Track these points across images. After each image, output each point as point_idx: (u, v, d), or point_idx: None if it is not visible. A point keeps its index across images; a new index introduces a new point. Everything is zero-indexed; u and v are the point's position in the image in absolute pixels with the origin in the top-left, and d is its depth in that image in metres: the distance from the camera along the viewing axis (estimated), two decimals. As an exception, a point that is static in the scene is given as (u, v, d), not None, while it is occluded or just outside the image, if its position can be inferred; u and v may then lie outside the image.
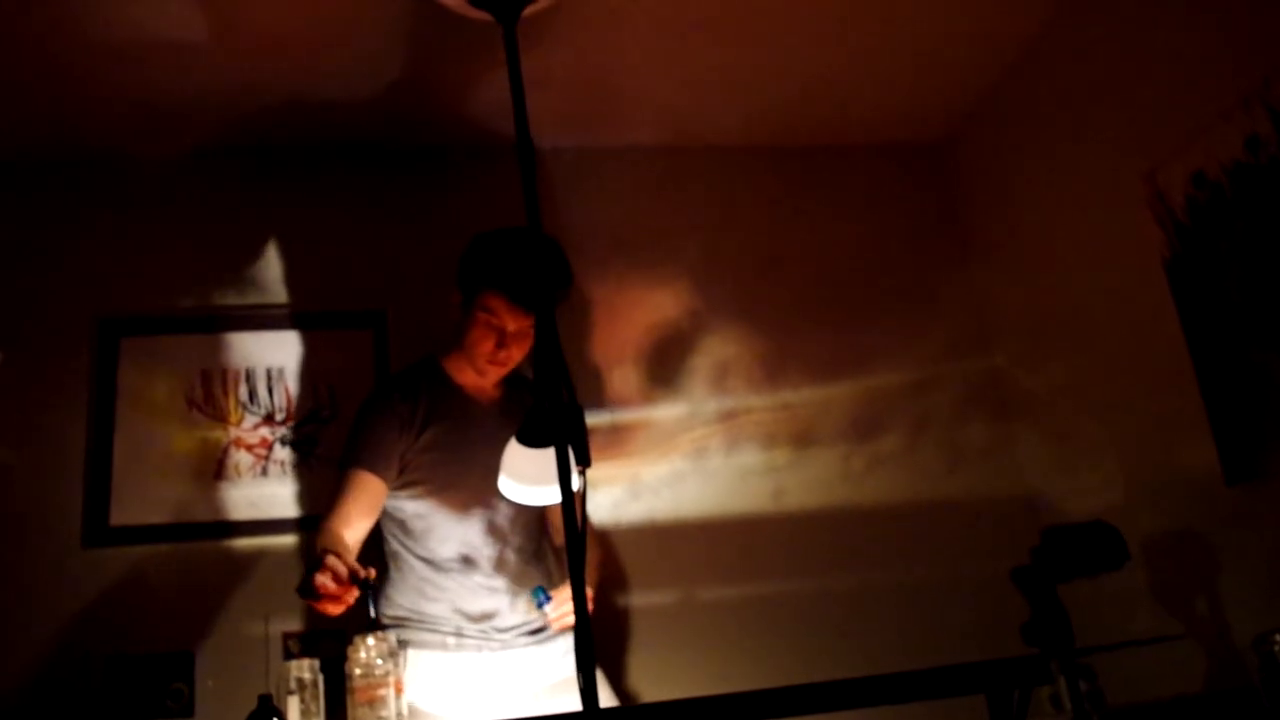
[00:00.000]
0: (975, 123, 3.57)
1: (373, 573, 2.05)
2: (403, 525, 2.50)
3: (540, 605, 2.31)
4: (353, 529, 2.36)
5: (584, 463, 1.80)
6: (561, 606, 2.31)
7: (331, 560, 1.99)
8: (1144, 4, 2.74)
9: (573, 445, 1.76)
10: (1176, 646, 2.48)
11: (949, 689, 2.07)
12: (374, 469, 2.41)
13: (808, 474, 3.34)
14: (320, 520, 2.45)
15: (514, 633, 2.47)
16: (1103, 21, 2.89)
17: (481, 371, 2.53)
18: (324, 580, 1.95)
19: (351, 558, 2.09)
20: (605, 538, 3.10)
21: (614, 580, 3.05)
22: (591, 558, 2.54)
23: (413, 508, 2.47)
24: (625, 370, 3.34)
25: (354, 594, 1.99)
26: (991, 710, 2.00)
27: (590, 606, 2.27)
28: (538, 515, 2.61)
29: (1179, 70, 2.62)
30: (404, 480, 2.47)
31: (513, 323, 2.42)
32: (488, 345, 2.46)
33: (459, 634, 2.43)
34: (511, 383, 2.64)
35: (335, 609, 1.99)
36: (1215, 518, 2.59)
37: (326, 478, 3.00)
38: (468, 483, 2.47)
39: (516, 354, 2.49)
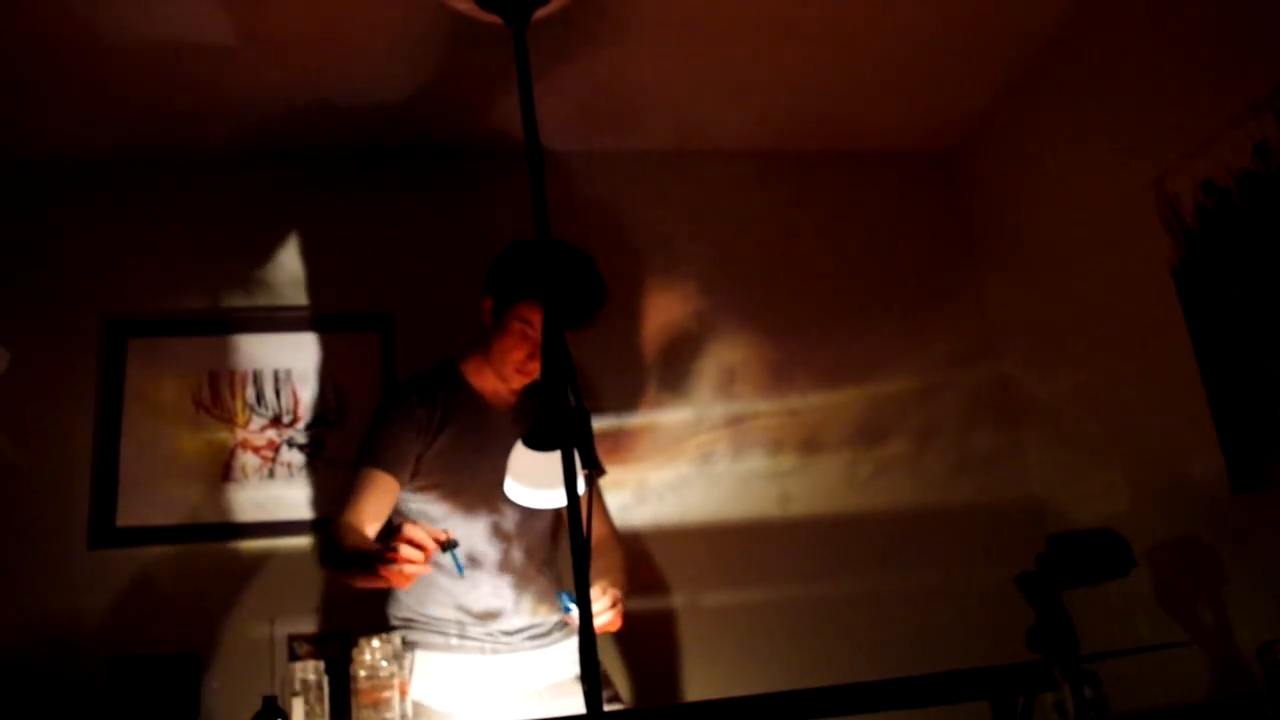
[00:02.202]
0: (984, 129, 3.57)
1: (451, 534, 2.13)
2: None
3: (567, 609, 2.24)
4: (368, 527, 2.38)
5: (590, 466, 1.80)
6: (595, 604, 2.20)
7: (409, 531, 2.03)
8: (1153, 11, 2.73)
9: (579, 449, 1.76)
10: (1181, 654, 2.47)
11: (953, 694, 2.07)
12: (389, 469, 2.42)
13: (814, 480, 3.33)
14: (334, 518, 2.45)
15: (520, 636, 2.47)
16: (1112, 28, 2.89)
17: (507, 379, 2.53)
18: (410, 553, 2.00)
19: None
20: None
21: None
22: (615, 561, 2.55)
23: (421, 508, 2.48)
24: (632, 374, 3.34)
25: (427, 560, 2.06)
26: (995, 716, 2.00)
27: (618, 609, 2.26)
28: (549, 524, 2.61)
29: (1188, 77, 2.62)
30: (417, 482, 2.48)
31: None
32: (519, 354, 2.46)
33: (462, 635, 2.43)
34: (528, 387, 2.63)
35: (410, 579, 2.06)
36: (1221, 526, 2.59)
37: (334, 480, 3.01)
38: (478, 485, 2.47)
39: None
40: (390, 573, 2.05)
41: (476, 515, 2.47)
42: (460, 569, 2.25)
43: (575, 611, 2.19)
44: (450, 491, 2.47)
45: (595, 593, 2.22)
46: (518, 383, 2.54)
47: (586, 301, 2.44)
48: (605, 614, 2.21)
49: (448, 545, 2.12)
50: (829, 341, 3.46)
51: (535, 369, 2.48)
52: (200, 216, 3.25)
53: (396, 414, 2.50)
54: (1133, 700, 2.16)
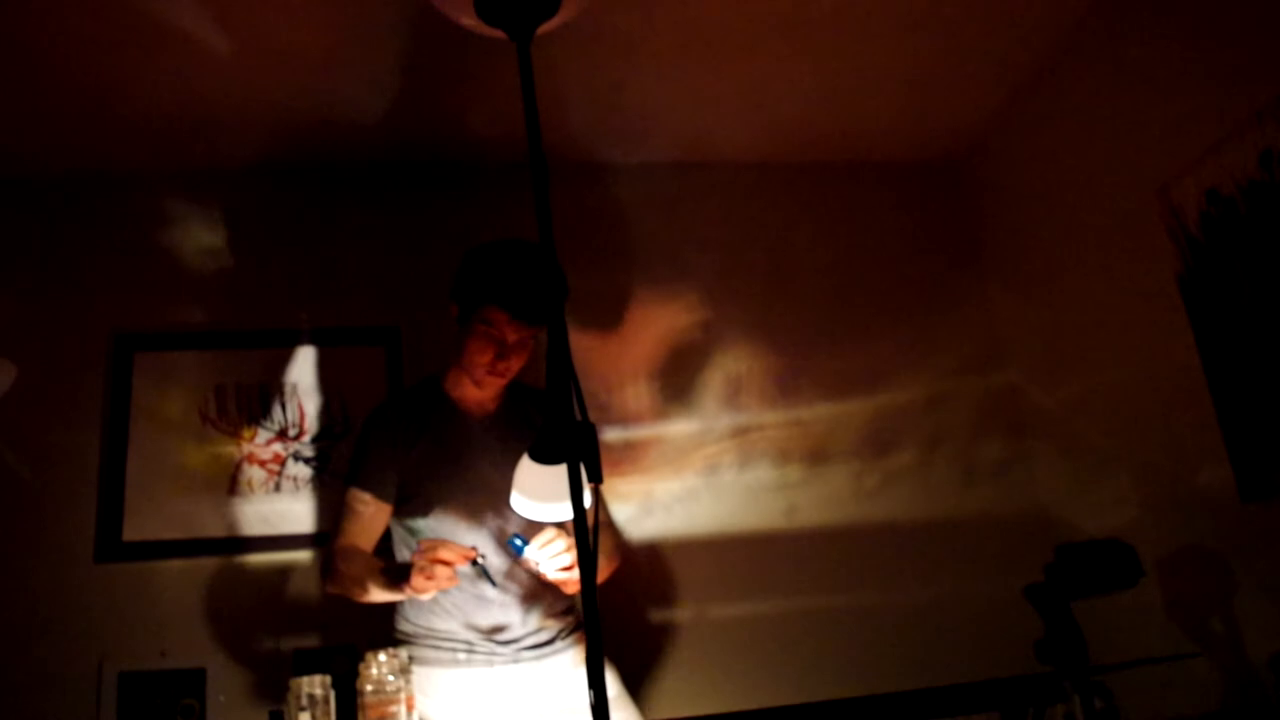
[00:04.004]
0: (990, 139, 3.57)
1: (477, 550, 2.24)
2: (406, 538, 2.51)
3: (519, 552, 2.28)
4: (362, 547, 2.44)
5: (596, 479, 1.79)
6: (545, 548, 2.27)
7: (444, 553, 2.17)
8: (1158, 20, 2.74)
9: (585, 461, 1.75)
10: (1192, 665, 2.46)
11: (962, 707, 2.06)
12: (369, 488, 2.47)
13: (820, 490, 3.33)
14: (329, 541, 2.49)
15: (516, 646, 2.46)
16: (1117, 38, 2.89)
17: (480, 382, 2.52)
18: (447, 573, 2.17)
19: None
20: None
21: (626, 595, 3.04)
22: (602, 540, 2.56)
23: (419, 523, 2.48)
24: (638, 386, 3.34)
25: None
26: (1005, 729, 1.99)
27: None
28: None
29: (1193, 86, 2.62)
30: (404, 496, 2.49)
31: (513, 334, 2.43)
32: (486, 356, 2.46)
33: (470, 649, 2.43)
34: (512, 396, 2.64)
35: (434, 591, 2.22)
36: (1230, 535, 2.58)
37: (339, 493, 3.01)
38: (467, 497, 2.48)
39: (515, 365, 2.49)
40: (416, 587, 2.17)
41: (477, 526, 2.47)
42: (493, 583, 2.37)
43: (528, 552, 2.26)
44: (435, 501, 2.47)
45: (543, 538, 2.29)
46: (490, 386, 2.54)
47: (548, 294, 2.40)
48: (558, 560, 2.27)
49: (475, 562, 2.22)
50: (835, 352, 3.46)
51: (505, 369, 2.48)
52: (206, 231, 3.26)
53: (373, 431, 2.54)
54: (1144, 712, 2.15)
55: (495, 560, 2.47)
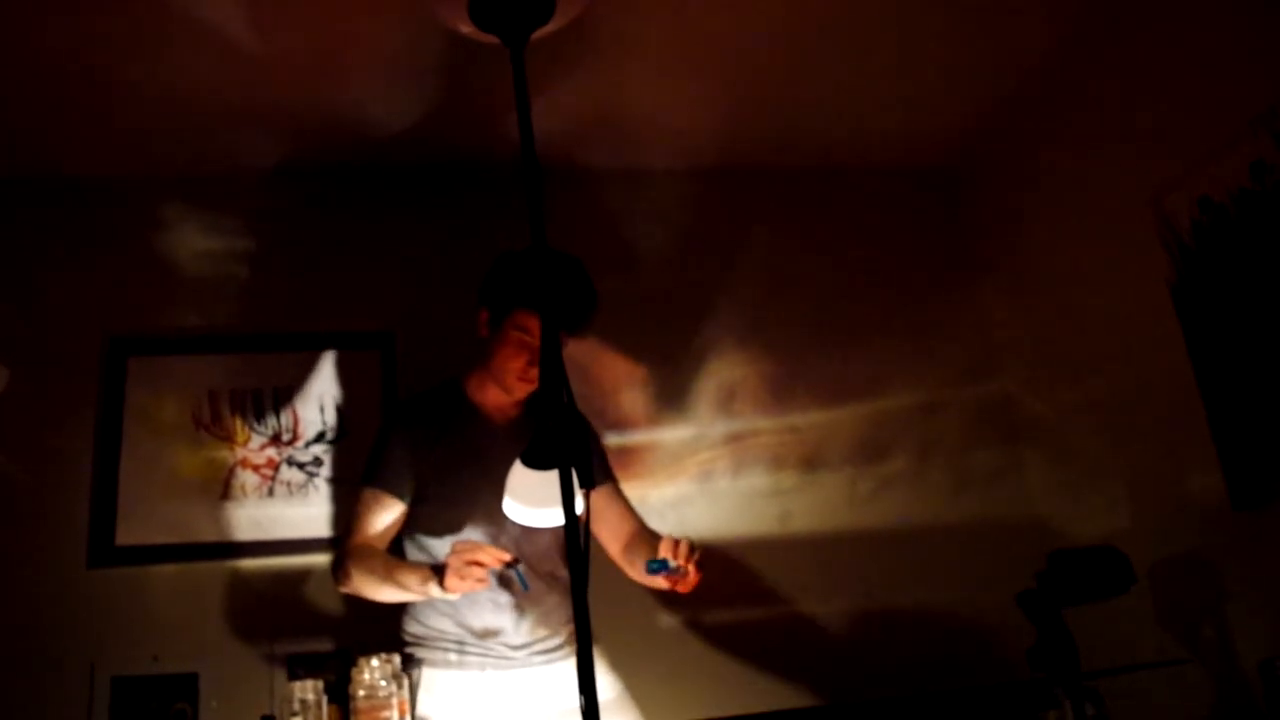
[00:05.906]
0: (984, 147, 3.58)
1: (509, 555, 2.23)
2: (418, 540, 2.51)
3: (657, 573, 2.19)
4: (375, 546, 2.43)
5: (588, 485, 1.79)
6: (680, 547, 2.20)
7: (480, 555, 2.18)
8: (1151, 31, 2.75)
9: (576, 466, 1.76)
10: (1183, 671, 2.47)
11: (955, 713, 2.06)
12: (387, 488, 2.45)
13: (814, 497, 3.33)
14: (342, 539, 2.50)
15: (526, 651, 2.46)
16: (1111, 47, 2.90)
17: (510, 389, 2.52)
18: (481, 574, 2.17)
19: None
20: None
21: (621, 601, 3.03)
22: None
23: (427, 523, 2.48)
24: (633, 392, 3.34)
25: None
26: (997, 735, 2.00)
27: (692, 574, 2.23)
28: (552, 540, 2.60)
29: (1186, 96, 2.63)
30: (419, 497, 2.48)
31: None
32: (519, 363, 2.46)
33: (461, 650, 2.43)
34: (530, 402, 2.63)
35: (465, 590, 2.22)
36: (1222, 543, 2.58)
37: (333, 499, 3.02)
38: (479, 499, 2.47)
39: None
40: (449, 586, 2.18)
41: (480, 527, 2.47)
42: (526, 587, 2.35)
43: (669, 569, 2.18)
44: (450, 504, 2.47)
45: (668, 546, 2.23)
46: (521, 391, 2.54)
47: (581, 306, 2.44)
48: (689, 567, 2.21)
49: (511, 564, 2.23)
50: (829, 358, 3.46)
51: (536, 376, 2.48)
52: (201, 236, 3.26)
53: (393, 431, 2.53)
54: (1134, 718, 2.15)
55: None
